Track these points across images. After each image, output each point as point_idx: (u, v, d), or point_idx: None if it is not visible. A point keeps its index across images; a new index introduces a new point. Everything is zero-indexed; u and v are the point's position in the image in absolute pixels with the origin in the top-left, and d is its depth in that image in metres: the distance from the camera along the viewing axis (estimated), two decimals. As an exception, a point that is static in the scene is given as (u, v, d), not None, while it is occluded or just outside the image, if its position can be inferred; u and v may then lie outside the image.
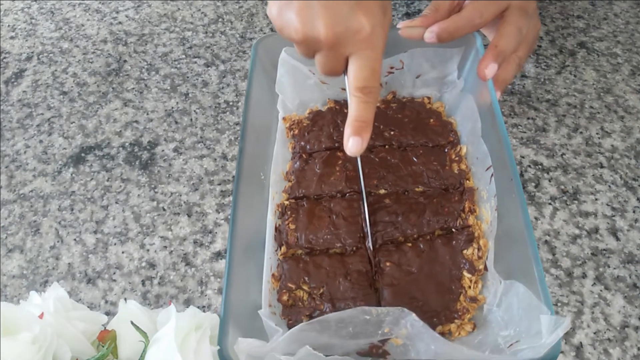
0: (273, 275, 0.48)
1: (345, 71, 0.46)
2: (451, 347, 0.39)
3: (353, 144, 0.45)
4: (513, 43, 0.53)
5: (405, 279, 0.47)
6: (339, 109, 0.59)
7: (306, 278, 0.47)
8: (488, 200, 0.49)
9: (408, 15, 0.76)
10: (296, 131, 0.58)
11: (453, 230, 0.50)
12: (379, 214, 0.51)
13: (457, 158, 0.55)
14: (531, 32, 0.56)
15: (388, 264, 0.48)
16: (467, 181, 0.53)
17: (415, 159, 0.54)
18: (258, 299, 0.45)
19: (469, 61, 0.57)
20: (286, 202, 0.53)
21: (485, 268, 0.47)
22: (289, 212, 0.51)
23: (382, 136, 0.56)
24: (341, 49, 0.44)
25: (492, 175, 0.49)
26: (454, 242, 0.49)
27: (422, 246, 0.49)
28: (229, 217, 0.47)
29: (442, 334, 0.45)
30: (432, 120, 0.58)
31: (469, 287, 0.47)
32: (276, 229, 0.51)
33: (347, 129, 0.45)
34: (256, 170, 0.52)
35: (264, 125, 0.57)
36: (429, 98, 0.60)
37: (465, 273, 0.48)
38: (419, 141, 0.56)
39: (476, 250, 0.48)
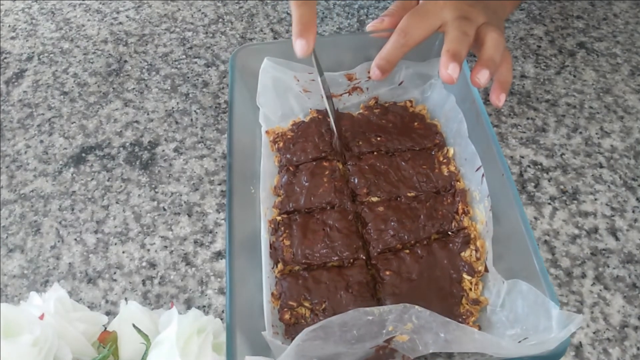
0: (272, 294, 0.47)
1: None
2: (462, 329, 0.38)
3: (299, 46, 0.48)
4: (497, 50, 0.52)
5: (406, 286, 0.47)
6: (322, 118, 0.58)
7: (307, 294, 0.46)
8: (481, 201, 0.49)
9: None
10: (281, 144, 0.57)
11: (449, 233, 0.50)
12: (374, 223, 0.50)
13: (445, 160, 0.54)
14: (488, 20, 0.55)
15: (388, 272, 0.47)
16: (458, 183, 0.53)
17: (403, 164, 0.54)
18: (262, 313, 0.45)
19: None
20: (278, 218, 0.52)
21: (486, 269, 0.47)
22: (282, 228, 0.50)
23: (368, 142, 0.56)
24: None
25: (482, 175, 0.49)
26: (450, 245, 0.49)
27: (419, 252, 0.49)
28: (225, 232, 0.47)
29: None
30: (416, 123, 0.57)
31: (470, 289, 0.47)
32: (271, 246, 0.50)
33: (293, 34, 0.48)
34: (246, 184, 0.52)
35: (250, 136, 0.57)
36: (411, 101, 0.60)
37: (465, 275, 0.47)
38: (405, 145, 0.55)
39: (474, 252, 0.48)
